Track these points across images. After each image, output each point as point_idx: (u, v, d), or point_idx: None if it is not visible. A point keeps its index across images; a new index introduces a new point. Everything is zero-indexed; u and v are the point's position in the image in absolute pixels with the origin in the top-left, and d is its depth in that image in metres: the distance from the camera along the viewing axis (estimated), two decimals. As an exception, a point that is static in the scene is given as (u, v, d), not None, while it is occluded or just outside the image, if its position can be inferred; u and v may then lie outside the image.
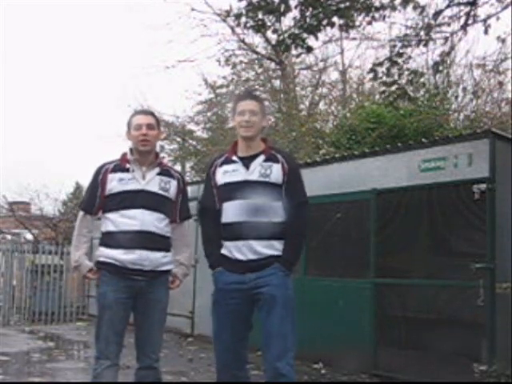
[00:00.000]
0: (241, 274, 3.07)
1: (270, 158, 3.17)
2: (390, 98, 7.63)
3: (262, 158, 3.17)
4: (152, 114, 3.50)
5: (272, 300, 3.02)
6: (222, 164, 3.24)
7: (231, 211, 3.12)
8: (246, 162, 3.16)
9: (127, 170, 3.33)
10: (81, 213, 3.38)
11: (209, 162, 3.43)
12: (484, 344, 5.24)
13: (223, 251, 3.16)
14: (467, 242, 5.71)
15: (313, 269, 6.95)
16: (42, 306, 10.75)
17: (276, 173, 3.13)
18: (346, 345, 6.24)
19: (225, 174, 3.19)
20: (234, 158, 3.21)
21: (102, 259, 3.27)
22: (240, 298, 3.07)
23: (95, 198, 3.32)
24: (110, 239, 3.27)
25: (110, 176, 3.31)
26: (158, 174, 3.37)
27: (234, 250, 3.10)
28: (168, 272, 3.34)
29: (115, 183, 3.29)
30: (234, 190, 3.13)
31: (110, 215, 3.28)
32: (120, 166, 3.35)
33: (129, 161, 3.35)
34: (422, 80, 8.56)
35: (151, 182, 3.32)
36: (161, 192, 3.32)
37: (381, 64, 7.16)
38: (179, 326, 8.46)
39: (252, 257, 3.06)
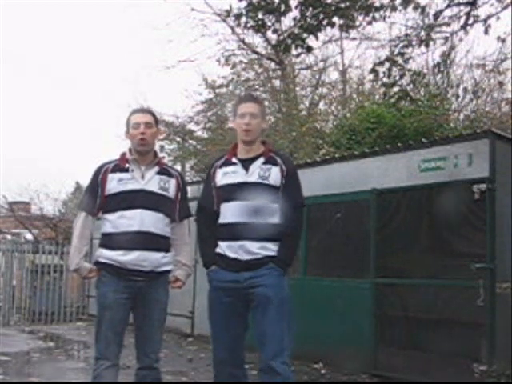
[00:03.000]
0: (235, 272, 3.08)
1: (269, 161, 3.20)
2: (392, 99, 7.63)
3: (261, 160, 3.20)
4: (150, 112, 3.48)
5: (266, 300, 3.03)
6: (221, 166, 3.26)
7: (230, 212, 3.14)
8: (246, 163, 3.19)
9: (126, 170, 3.31)
10: (82, 213, 3.34)
11: (209, 164, 3.44)
12: (484, 344, 5.24)
13: (218, 250, 3.18)
14: (467, 242, 5.71)
15: (313, 269, 6.94)
16: (42, 305, 10.74)
17: (275, 175, 3.15)
18: (346, 345, 6.23)
19: (224, 176, 3.21)
20: (234, 159, 3.23)
21: (101, 260, 3.26)
22: (235, 297, 3.09)
23: (96, 199, 3.31)
24: (109, 241, 3.26)
25: (110, 176, 3.30)
26: (157, 173, 3.36)
27: (229, 250, 3.11)
28: (168, 272, 3.34)
29: (115, 183, 3.28)
30: (233, 191, 3.15)
31: (109, 216, 3.27)
32: (119, 166, 3.34)
33: (128, 160, 3.35)
34: (424, 81, 8.56)
35: (150, 181, 3.31)
36: (160, 191, 3.31)
37: (382, 63, 7.16)
38: (179, 326, 8.46)
39: (247, 257, 3.07)
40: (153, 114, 3.46)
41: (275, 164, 3.18)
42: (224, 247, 3.14)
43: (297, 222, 3.21)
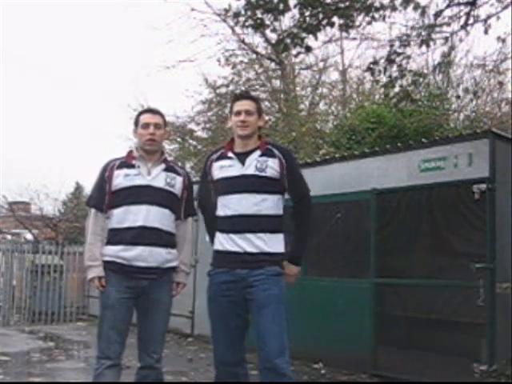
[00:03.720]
0: (232, 269, 3.08)
1: (266, 153, 3.19)
2: (393, 99, 7.62)
3: (257, 153, 3.19)
4: (160, 113, 3.48)
5: (264, 299, 3.03)
6: (217, 159, 3.26)
7: (226, 205, 3.15)
8: (242, 157, 3.18)
9: (133, 166, 3.33)
10: (92, 211, 3.34)
11: (205, 158, 3.45)
12: (484, 344, 5.24)
13: (216, 246, 3.19)
14: (467, 242, 5.71)
15: (313, 269, 6.94)
16: (42, 305, 10.73)
17: (272, 167, 3.15)
18: (346, 345, 6.23)
19: (221, 169, 3.21)
20: (230, 154, 3.23)
21: (105, 258, 3.26)
22: (233, 296, 3.09)
23: (104, 195, 3.31)
24: (114, 236, 3.26)
25: (116, 172, 3.31)
26: (164, 170, 3.37)
27: (228, 242, 3.11)
28: (173, 269, 3.33)
29: (121, 179, 3.29)
30: (230, 184, 3.15)
31: (116, 211, 3.28)
32: (126, 163, 3.35)
33: (135, 157, 3.36)
34: (425, 81, 8.54)
35: (157, 177, 3.32)
36: (167, 188, 3.32)
37: (376, 63, 7.15)
38: (179, 326, 8.45)
39: (247, 249, 3.07)
40: (162, 115, 3.47)
41: (273, 156, 3.17)
42: (223, 240, 3.14)
43: (305, 212, 3.26)
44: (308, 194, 3.28)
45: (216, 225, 3.22)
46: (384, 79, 7.29)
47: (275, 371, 2.95)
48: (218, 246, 3.18)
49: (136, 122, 3.42)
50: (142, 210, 3.22)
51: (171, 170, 3.40)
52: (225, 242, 3.13)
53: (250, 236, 3.07)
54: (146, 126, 3.34)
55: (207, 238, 3.40)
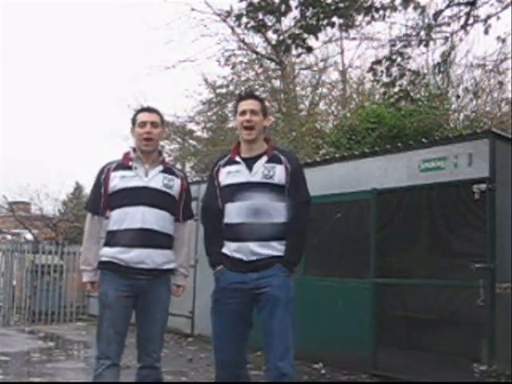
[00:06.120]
0: (242, 273, 3.07)
1: (273, 159, 3.16)
2: (392, 99, 7.62)
3: (264, 159, 3.16)
4: (157, 111, 3.48)
5: (274, 301, 3.03)
6: (225, 164, 3.24)
7: (233, 212, 3.12)
8: (249, 162, 3.16)
9: (129, 168, 3.32)
10: (89, 214, 3.35)
11: (212, 163, 3.43)
12: (484, 344, 5.24)
13: (224, 250, 3.16)
14: (467, 242, 5.72)
15: (313, 269, 6.95)
16: (42, 305, 10.73)
17: (279, 174, 3.12)
18: (346, 345, 6.23)
19: (228, 175, 3.19)
20: (237, 158, 3.20)
21: (104, 259, 3.26)
22: (241, 298, 3.08)
23: (100, 198, 3.31)
24: (112, 238, 3.26)
25: (113, 174, 3.31)
26: (162, 171, 3.36)
27: (235, 250, 3.10)
28: (170, 271, 3.33)
29: (117, 181, 3.28)
30: (236, 191, 3.12)
31: (113, 213, 3.27)
32: (122, 165, 3.35)
33: (131, 159, 3.35)
34: (424, 81, 8.54)
35: (154, 178, 3.32)
36: (164, 189, 3.31)
37: (379, 62, 7.15)
38: (179, 326, 8.46)
39: (252, 258, 3.06)
40: (159, 114, 3.47)
41: (279, 162, 3.15)
42: (230, 247, 3.13)
43: (302, 219, 3.17)
44: (307, 201, 3.20)
45: (217, 232, 3.19)
46: (384, 78, 7.28)
47: (278, 372, 2.96)
48: (226, 251, 3.16)
49: (133, 121, 3.42)
50: (138, 211, 3.21)
51: (169, 172, 3.39)
52: (232, 249, 3.11)
53: (257, 244, 3.05)
54: (143, 124, 3.34)
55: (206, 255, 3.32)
